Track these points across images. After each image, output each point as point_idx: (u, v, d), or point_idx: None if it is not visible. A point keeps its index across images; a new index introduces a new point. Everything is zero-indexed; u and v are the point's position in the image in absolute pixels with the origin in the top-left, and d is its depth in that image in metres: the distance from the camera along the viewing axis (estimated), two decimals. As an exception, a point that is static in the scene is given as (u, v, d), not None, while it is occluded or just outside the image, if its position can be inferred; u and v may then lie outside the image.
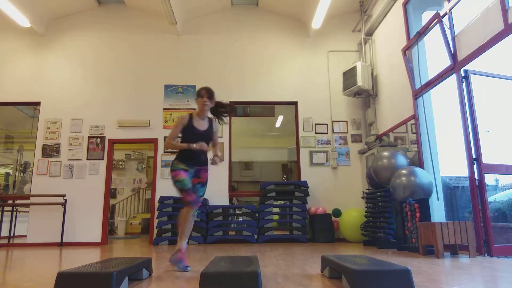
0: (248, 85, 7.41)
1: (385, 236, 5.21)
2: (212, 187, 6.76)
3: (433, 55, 5.54)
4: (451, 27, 4.67)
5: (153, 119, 7.11)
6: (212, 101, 3.12)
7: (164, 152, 6.95)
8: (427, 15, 5.63)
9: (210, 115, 3.25)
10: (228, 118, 3.36)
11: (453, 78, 4.58)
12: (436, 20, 4.85)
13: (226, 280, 1.99)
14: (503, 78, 4.65)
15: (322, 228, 6.42)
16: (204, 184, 3.13)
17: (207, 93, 3.07)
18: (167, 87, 7.29)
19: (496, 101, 5.09)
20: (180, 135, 3.10)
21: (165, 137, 6.97)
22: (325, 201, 6.84)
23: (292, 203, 6.56)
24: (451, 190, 7.72)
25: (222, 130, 7.13)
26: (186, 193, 2.95)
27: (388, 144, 6.09)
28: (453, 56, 4.58)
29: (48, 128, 7.04)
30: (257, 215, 6.49)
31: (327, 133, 7.23)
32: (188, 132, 3.03)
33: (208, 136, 3.10)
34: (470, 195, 4.24)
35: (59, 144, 6.98)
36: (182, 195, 2.97)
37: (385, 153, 5.29)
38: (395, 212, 5.24)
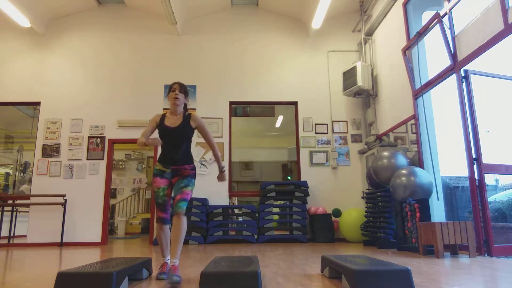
0: (248, 85, 7.41)
1: (385, 236, 5.21)
2: (212, 187, 6.84)
3: (433, 55, 5.54)
4: (451, 27, 4.67)
5: (153, 119, 7.10)
6: (184, 97, 2.95)
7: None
8: (427, 15, 5.63)
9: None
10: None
11: (453, 78, 4.58)
12: (436, 20, 4.84)
13: (226, 280, 1.99)
14: (503, 78, 4.65)
15: (322, 228, 6.42)
16: (185, 176, 2.84)
17: (179, 86, 2.92)
18: (167, 87, 7.25)
19: (496, 101, 5.09)
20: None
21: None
22: (325, 201, 6.83)
23: (292, 203, 6.55)
24: (451, 190, 7.72)
25: (222, 130, 7.14)
26: (157, 209, 2.80)
27: (388, 144, 6.09)
28: (453, 56, 4.58)
29: (48, 128, 7.04)
30: (257, 215, 6.50)
31: (327, 133, 7.23)
32: (159, 130, 2.90)
33: (180, 133, 2.86)
34: (470, 195, 4.24)
35: (59, 144, 6.97)
36: (155, 208, 2.85)
37: (385, 153, 5.29)
38: (395, 212, 5.24)
